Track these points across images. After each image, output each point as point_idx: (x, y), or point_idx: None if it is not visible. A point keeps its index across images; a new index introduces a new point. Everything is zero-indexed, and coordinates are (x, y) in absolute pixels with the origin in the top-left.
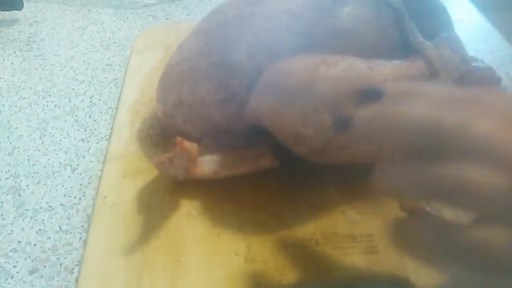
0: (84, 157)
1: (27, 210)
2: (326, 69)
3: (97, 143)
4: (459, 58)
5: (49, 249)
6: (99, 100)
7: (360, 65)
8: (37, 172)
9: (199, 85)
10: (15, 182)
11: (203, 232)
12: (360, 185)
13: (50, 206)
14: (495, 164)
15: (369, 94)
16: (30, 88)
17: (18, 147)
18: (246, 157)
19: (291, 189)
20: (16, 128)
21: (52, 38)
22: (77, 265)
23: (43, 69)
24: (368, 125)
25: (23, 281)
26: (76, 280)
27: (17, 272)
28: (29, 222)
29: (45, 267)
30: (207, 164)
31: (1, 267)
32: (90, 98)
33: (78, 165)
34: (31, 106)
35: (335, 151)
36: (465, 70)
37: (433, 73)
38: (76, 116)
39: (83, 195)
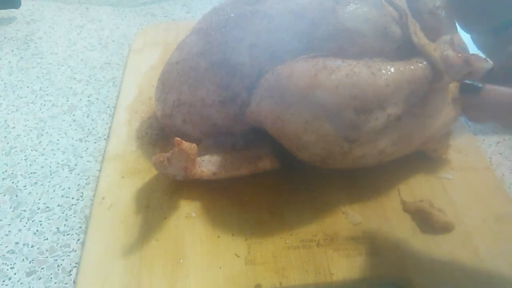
0: (82, 157)
1: (24, 211)
2: (328, 74)
3: (95, 142)
4: (462, 59)
5: (46, 250)
6: (97, 99)
7: (362, 71)
8: (35, 172)
9: (199, 85)
10: (12, 182)
11: (203, 233)
12: (361, 186)
13: (48, 207)
14: None
15: (469, 89)
16: (28, 87)
17: (15, 147)
18: (246, 158)
19: (293, 190)
20: (13, 127)
21: (49, 37)
22: (75, 266)
23: (41, 67)
24: (498, 98)
25: (21, 283)
26: (74, 282)
27: (15, 274)
28: (26, 223)
29: (42, 268)
30: (206, 165)
31: None
32: (88, 97)
33: (76, 165)
34: (28, 105)
35: (338, 157)
36: (468, 72)
37: (436, 75)
38: (74, 115)
39: (81, 196)
